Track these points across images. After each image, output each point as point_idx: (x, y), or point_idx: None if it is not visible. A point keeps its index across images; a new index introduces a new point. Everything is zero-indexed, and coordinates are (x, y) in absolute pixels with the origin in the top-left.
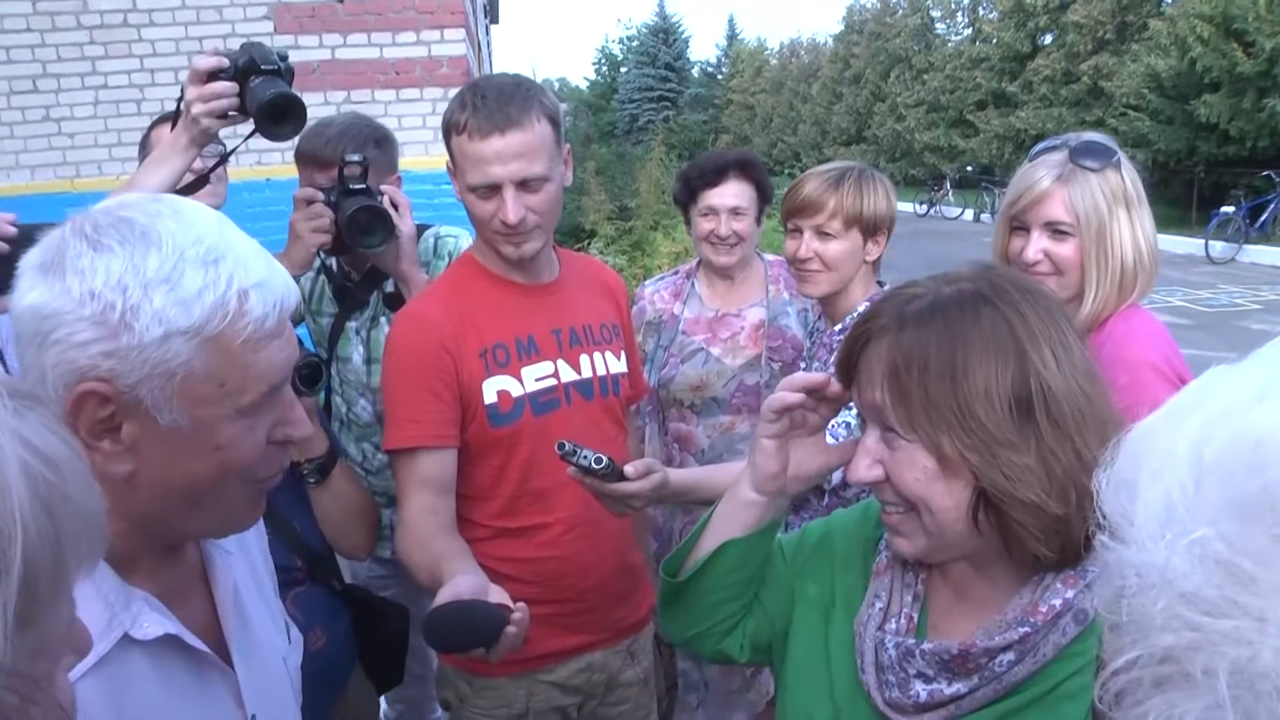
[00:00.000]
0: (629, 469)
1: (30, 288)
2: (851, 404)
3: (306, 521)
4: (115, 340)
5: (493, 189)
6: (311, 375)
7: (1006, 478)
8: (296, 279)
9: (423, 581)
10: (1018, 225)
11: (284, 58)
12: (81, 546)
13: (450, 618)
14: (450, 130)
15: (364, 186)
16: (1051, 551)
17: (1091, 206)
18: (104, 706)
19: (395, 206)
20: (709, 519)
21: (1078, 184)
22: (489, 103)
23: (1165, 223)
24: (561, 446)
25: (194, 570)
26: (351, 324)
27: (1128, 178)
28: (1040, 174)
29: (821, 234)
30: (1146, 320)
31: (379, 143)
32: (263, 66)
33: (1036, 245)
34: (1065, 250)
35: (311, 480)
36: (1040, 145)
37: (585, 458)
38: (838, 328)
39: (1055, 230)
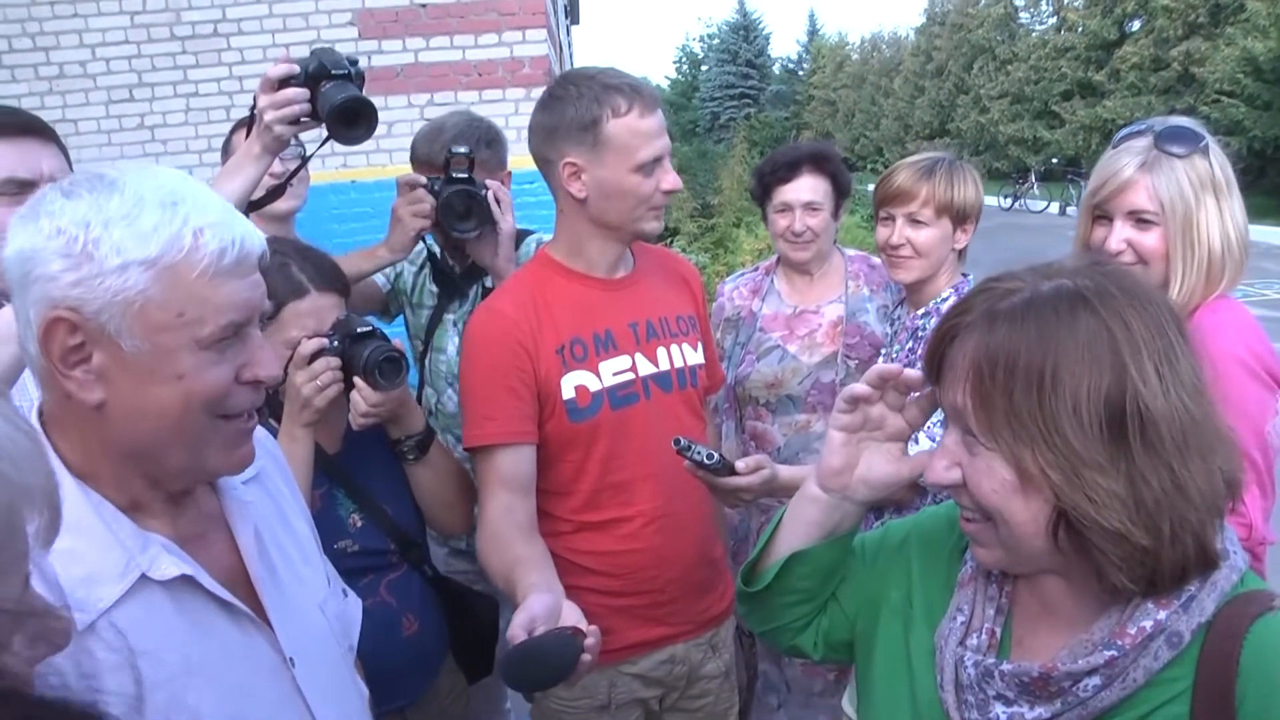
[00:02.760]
0: (740, 464)
1: (14, 237)
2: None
3: (399, 507)
4: (79, 270)
5: (657, 162)
6: (392, 369)
7: (1090, 501)
8: (393, 272)
9: (498, 585)
10: (1100, 214)
11: (354, 61)
12: (15, 520)
13: (527, 660)
14: (606, 116)
15: (467, 176)
16: (1133, 583)
17: (1177, 194)
18: (124, 643)
19: (499, 203)
20: (780, 518)
21: (1163, 171)
22: (637, 85)
23: (1263, 212)
24: (678, 442)
25: (214, 520)
26: (449, 316)
27: (1216, 163)
28: (1124, 161)
29: (914, 221)
30: (1236, 312)
31: (490, 143)
32: (333, 71)
33: (1120, 235)
34: (1150, 240)
35: (411, 457)
36: (1124, 130)
37: (699, 453)
38: (920, 311)
39: (1139, 219)
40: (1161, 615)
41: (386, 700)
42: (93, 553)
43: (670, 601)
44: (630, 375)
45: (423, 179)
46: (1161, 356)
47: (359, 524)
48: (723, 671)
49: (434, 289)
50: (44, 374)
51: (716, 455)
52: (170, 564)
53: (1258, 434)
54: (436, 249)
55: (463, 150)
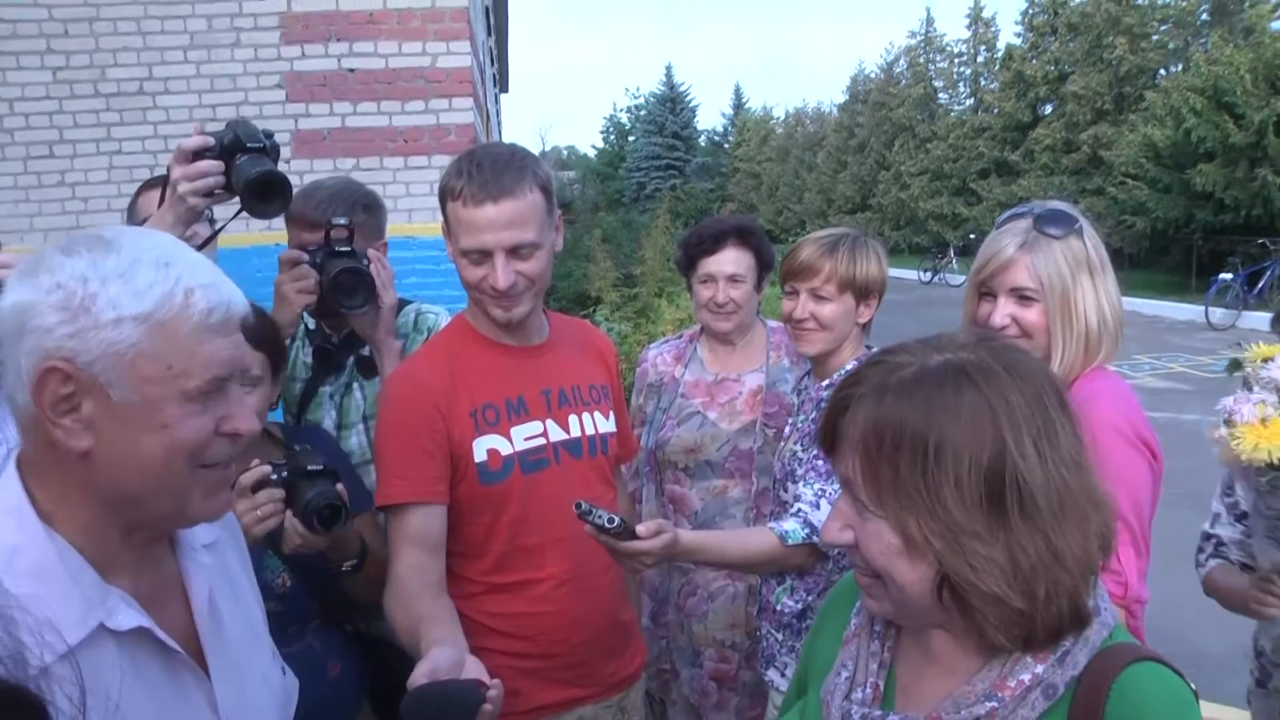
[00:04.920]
0: (641, 529)
1: (11, 291)
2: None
3: (326, 570)
4: (75, 322)
5: (484, 254)
6: (331, 517)
7: (970, 567)
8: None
9: (403, 641)
10: (985, 291)
11: (269, 135)
12: None
13: (427, 701)
14: (446, 195)
15: (349, 250)
16: (1010, 642)
17: (1055, 273)
18: (78, 685)
19: (379, 275)
20: None
21: (1041, 251)
22: (484, 171)
23: (1165, 289)
24: (578, 506)
25: (172, 580)
26: (325, 389)
27: (1090, 244)
28: (1005, 241)
29: (817, 296)
30: (1112, 383)
31: (368, 208)
32: (248, 144)
33: (1003, 310)
34: (1031, 315)
35: (346, 578)
36: (1007, 213)
37: (600, 517)
38: (824, 383)
39: (1021, 296)
40: (1039, 669)
41: None
42: (54, 599)
43: (580, 664)
44: (541, 440)
45: (304, 255)
46: (1040, 431)
47: (287, 585)
48: None
49: (308, 361)
50: (30, 422)
51: (618, 519)
52: (128, 616)
53: (1132, 497)
54: (311, 321)
55: (343, 221)
